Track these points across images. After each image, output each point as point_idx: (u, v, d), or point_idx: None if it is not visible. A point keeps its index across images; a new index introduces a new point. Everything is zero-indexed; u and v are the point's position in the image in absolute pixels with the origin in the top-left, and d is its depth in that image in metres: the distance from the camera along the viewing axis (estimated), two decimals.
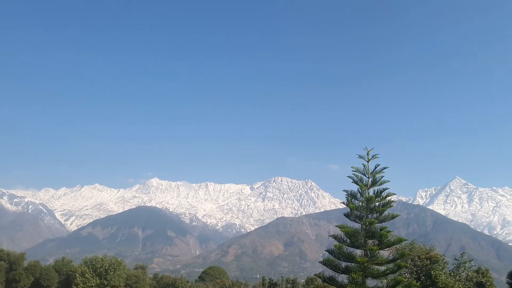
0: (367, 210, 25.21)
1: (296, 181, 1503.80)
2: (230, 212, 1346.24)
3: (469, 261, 57.24)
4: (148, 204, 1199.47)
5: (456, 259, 57.74)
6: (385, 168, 25.61)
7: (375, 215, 25.27)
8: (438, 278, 51.98)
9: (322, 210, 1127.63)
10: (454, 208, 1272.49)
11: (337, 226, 25.22)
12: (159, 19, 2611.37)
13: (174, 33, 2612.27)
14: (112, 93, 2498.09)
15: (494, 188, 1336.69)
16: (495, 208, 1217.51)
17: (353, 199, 25.70)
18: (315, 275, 26.16)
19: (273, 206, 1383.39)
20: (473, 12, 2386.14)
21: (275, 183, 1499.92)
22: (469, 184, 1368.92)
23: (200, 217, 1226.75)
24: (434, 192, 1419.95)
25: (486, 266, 68.95)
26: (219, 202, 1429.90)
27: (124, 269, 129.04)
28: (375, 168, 25.96)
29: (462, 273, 57.58)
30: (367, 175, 26.03)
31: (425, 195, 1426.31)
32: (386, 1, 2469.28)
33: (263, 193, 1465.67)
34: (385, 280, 24.92)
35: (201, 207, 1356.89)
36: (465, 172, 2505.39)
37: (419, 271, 55.31)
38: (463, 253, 59.15)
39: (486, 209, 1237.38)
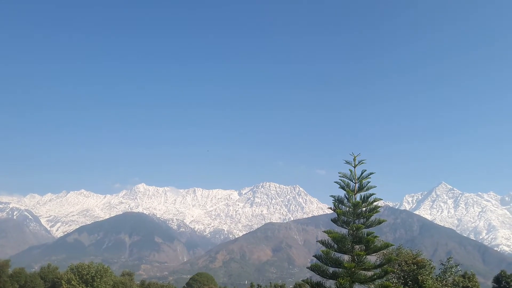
0: (354, 215, 25.39)
1: (284, 187, 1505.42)
2: (218, 217, 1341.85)
3: (456, 266, 57.72)
4: (135, 210, 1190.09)
5: (442, 264, 58.19)
6: (371, 173, 25.85)
7: (362, 220, 25.46)
8: (425, 283, 52.37)
9: (310, 215, 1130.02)
10: (440, 213, 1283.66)
11: (324, 231, 25.34)
12: (155, 21, 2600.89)
13: (165, 36, 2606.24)
14: (98, 99, 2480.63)
15: (480, 193, 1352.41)
16: (481, 213, 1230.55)
17: (340, 205, 25.86)
18: (303, 280, 26.20)
19: (261, 211, 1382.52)
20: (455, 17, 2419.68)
21: (263, 188, 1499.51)
22: (455, 189, 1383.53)
23: (187, 223, 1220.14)
24: (420, 197, 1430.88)
25: (472, 271, 69.75)
26: (207, 208, 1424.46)
27: (111, 276, 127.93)
28: (362, 173, 26.19)
29: (449, 278, 58.04)
30: (354, 181, 26.22)
31: (412, 200, 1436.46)
32: (381, 3, 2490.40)
33: (251, 198, 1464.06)
34: (372, 286, 25.05)
35: (189, 213, 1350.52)
36: (451, 178, 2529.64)
37: (406, 276, 55.66)
38: (450, 258, 59.67)
39: (471, 214, 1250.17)
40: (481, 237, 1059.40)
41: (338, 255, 24.64)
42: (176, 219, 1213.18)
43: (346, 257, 24.86)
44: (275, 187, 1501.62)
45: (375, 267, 24.59)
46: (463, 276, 64.91)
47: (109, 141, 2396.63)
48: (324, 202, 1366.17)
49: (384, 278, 25.67)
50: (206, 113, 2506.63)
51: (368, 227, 25.09)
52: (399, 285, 54.53)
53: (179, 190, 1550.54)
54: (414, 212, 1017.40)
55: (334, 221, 25.92)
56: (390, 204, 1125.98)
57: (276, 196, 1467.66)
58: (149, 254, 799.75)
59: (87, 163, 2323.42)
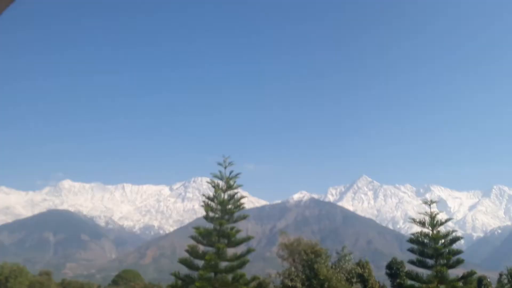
0: (222, 212, 28.15)
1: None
2: (148, 213, 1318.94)
3: (349, 254, 62.97)
4: (60, 207, 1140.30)
5: (337, 252, 63.18)
6: (238, 174, 28.81)
7: (226, 216, 28.28)
8: (319, 271, 56.95)
9: (241, 208, 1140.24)
10: (361, 204, 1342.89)
11: (194, 227, 27.89)
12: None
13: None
14: (17, 91, 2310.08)
15: (397, 185, 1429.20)
16: (398, 204, 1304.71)
17: (210, 202, 28.53)
18: (172, 274, 28.58)
19: (193, 206, 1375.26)
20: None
21: (195, 183, 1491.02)
22: (375, 181, 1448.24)
23: (116, 220, 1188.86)
24: (343, 189, 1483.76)
25: (366, 259, 75.83)
26: (137, 204, 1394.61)
27: (27, 276, 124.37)
28: (230, 173, 29.07)
29: (345, 265, 63.23)
30: (223, 180, 29.02)
31: (335, 192, 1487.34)
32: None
33: (183, 193, 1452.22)
34: (231, 275, 27.90)
35: (117, 209, 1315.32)
36: (371, 171, 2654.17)
37: (305, 265, 60.10)
38: (344, 246, 64.90)
39: (390, 205, 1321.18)
40: (398, 226, 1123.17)
41: (209, 248, 27.25)
42: (103, 215, 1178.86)
43: (214, 250, 27.62)
44: (207, 182, 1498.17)
45: (237, 258, 27.51)
46: (358, 264, 70.68)
47: (27, 135, 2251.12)
48: (254, 195, 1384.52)
49: (244, 268, 28.72)
50: (134, 104, 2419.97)
51: (233, 222, 27.97)
52: (298, 273, 58.88)
53: (107, 186, 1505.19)
54: (338, 204, 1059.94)
55: (205, 217, 28.54)
56: (316, 196, 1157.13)
57: (208, 190, 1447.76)
58: (75, 252, 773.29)
59: (6, 158, 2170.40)
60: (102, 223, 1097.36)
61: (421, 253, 54.88)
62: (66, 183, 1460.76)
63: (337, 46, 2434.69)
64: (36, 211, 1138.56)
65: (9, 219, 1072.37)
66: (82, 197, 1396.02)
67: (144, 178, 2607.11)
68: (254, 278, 28.64)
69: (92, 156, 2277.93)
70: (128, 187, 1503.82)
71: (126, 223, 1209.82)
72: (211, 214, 28.27)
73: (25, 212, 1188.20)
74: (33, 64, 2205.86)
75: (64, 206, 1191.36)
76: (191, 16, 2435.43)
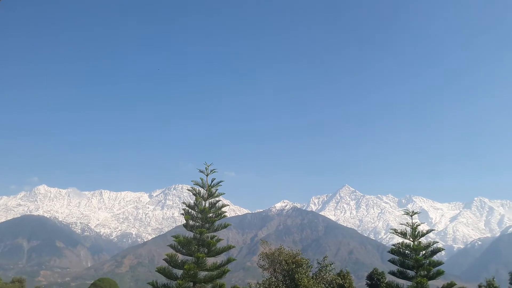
0: (202, 220, 27.22)
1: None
2: (126, 221, 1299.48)
3: (330, 264, 62.36)
4: (34, 213, 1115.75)
5: (319, 263, 62.43)
6: (220, 181, 27.97)
7: (207, 225, 27.35)
8: (300, 281, 56.12)
9: (222, 216, 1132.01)
10: (344, 214, 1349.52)
11: (172, 236, 26.88)
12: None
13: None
14: None
15: (379, 195, 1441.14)
16: (380, 214, 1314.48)
17: (190, 210, 27.57)
18: (148, 283, 27.51)
19: (173, 214, 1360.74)
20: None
21: (176, 190, 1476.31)
22: (357, 191, 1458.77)
23: (92, 227, 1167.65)
24: (325, 198, 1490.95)
25: (347, 269, 75.57)
26: (114, 211, 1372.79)
27: None
28: (212, 181, 28.17)
29: (325, 276, 62.50)
30: (205, 188, 28.10)
31: (318, 201, 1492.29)
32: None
33: (163, 201, 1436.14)
34: (210, 284, 26.94)
35: (94, 216, 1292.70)
36: (353, 181, 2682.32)
37: (285, 275, 59.22)
38: (325, 257, 64.16)
39: (372, 215, 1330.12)
40: (380, 236, 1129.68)
41: (188, 258, 26.24)
42: (80, 222, 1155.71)
43: (193, 260, 26.56)
44: (188, 190, 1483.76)
45: (216, 267, 26.54)
46: (338, 274, 70.06)
47: (1, 139, 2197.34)
48: (236, 204, 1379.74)
49: (224, 278, 27.79)
50: (111, 112, 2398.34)
51: (214, 231, 27.04)
52: (278, 283, 57.98)
53: (84, 193, 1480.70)
54: (320, 213, 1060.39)
55: (185, 226, 27.54)
56: (298, 205, 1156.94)
57: (189, 198, 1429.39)
58: (49, 260, 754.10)
59: None
60: (78, 230, 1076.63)
61: (402, 264, 54.93)
62: (42, 188, 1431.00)
63: (323, 59, 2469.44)
64: (10, 216, 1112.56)
65: None
66: (58, 203, 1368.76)
67: (123, 185, 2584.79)
68: None
69: (69, 162, 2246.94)
70: (106, 193, 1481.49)
71: (103, 231, 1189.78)
72: (191, 222, 27.29)
73: None
74: (19, 73, 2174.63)
75: (39, 212, 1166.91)
76: (180, 26, 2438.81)
